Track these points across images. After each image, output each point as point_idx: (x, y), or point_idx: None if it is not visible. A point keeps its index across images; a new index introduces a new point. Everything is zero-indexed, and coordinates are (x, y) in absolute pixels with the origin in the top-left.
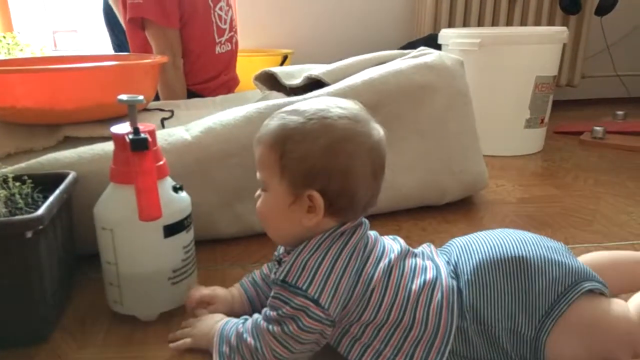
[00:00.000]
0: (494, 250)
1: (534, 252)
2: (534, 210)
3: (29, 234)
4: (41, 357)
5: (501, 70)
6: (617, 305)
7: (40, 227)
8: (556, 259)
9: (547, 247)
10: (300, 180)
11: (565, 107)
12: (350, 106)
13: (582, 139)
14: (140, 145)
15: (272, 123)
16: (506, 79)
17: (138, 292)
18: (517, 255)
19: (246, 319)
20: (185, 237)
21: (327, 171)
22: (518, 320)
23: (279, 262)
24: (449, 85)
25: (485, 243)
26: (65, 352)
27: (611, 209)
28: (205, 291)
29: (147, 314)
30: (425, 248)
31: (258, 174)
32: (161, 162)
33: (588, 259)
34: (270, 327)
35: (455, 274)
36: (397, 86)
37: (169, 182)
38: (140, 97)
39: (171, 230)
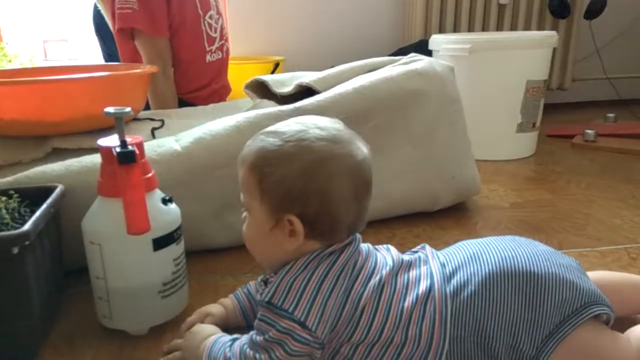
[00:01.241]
0: (505, 263)
1: (547, 268)
2: (527, 215)
3: (15, 250)
4: None
5: (492, 75)
6: (620, 340)
7: (27, 242)
8: (568, 278)
9: (560, 264)
10: (279, 204)
11: (557, 111)
12: (330, 126)
13: (574, 142)
14: (127, 158)
15: (253, 144)
16: (497, 84)
17: (128, 306)
18: (528, 270)
19: (234, 340)
20: (176, 250)
21: (304, 194)
22: (520, 338)
23: (265, 282)
24: (439, 91)
25: (495, 253)
26: None
27: (604, 212)
28: (198, 319)
29: (137, 328)
30: (421, 251)
31: (241, 196)
32: (150, 174)
33: (594, 278)
34: (257, 355)
35: (461, 282)
36: (388, 93)
37: (158, 194)
38: (127, 109)
39: (161, 243)
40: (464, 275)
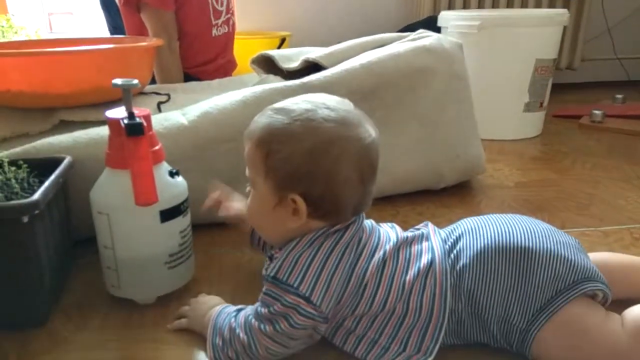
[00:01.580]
0: (500, 237)
1: (541, 244)
2: (531, 194)
3: (25, 219)
4: (39, 340)
5: (501, 53)
6: (612, 320)
7: (36, 211)
8: (562, 254)
9: (557, 240)
10: (285, 182)
11: (565, 91)
12: (339, 107)
13: (581, 122)
14: (135, 130)
15: (261, 120)
16: (506, 62)
17: (135, 276)
18: (522, 245)
19: (239, 311)
20: (182, 222)
21: (310, 175)
22: (512, 310)
23: (270, 257)
24: (447, 68)
25: (493, 228)
26: (63, 335)
27: (609, 193)
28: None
29: (144, 297)
30: (423, 228)
31: (247, 170)
32: (157, 147)
33: (599, 258)
34: (262, 326)
35: (457, 255)
36: (395, 70)
37: (165, 167)
38: (135, 81)
39: (168, 215)
40: (460, 249)
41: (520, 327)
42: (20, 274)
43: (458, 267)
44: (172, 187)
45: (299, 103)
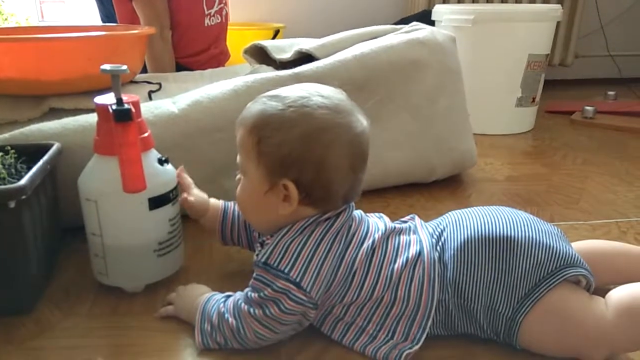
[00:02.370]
0: (482, 228)
1: (523, 233)
2: (521, 188)
3: (12, 204)
4: (26, 327)
5: (494, 47)
6: (595, 302)
7: (24, 196)
8: (544, 242)
9: (539, 229)
10: (276, 168)
11: (558, 87)
12: (332, 95)
13: (573, 118)
14: (123, 116)
15: (254, 107)
16: (498, 57)
17: (123, 263)
18: (504, 235)
19: (227, 297)
20: (171, 210)
21: (302, 161)
22: (497, 299)
23: (262, 244)
24: (440, 61)
25: (476, 219)
26: (51, 321)
27: (598, 187)
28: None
29: (132, 285)
30: (410, 222)
31: (238, 157)
32: (146, 134)
33: (582, 245)
34: (251, 310)
35: (442, 247)
36: (388, 61)
37: (154, 154)
38: (124, 67)
39: (156, 202)
40: (444, 240)
41: (506, 315)
42: (6, 259)
43: (444, 259)
44: (161, 174)
45: (293, 90)
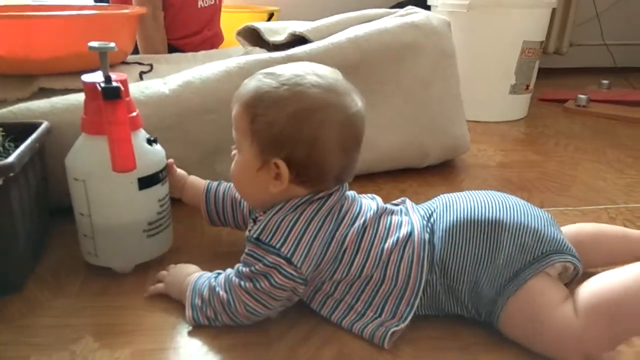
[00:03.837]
0: (471, 210)
1: (510, 216)
2: (513, 174)
3: (0, 181)
4: (15, 306)
5: (488, 33)
6: (568, 305)
7: (11, 174)
8: (532, 226)
9: (527, 213)
10: (268, 146)
11: (553, 75)
12: (328, 75)
13: (566, 106)
14: (113, 93)
15: (250, 83)
16: (493, 43)
17: (112, 243)
18: (492, 217)
19: (219, 274)
20: (161, 190)
21: (293, 140)
22: (481, 280)
23: (254, 220)
24: (434, 45)
25: (466, 202)
26: (40, 301)
27: (589, 174)
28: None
29: (122, 265)
30: (402, 205)
31: (233, 133)
32: (134, 114)
33: (573, 229)
34: (242, 282)
35: (432, 228)
36: (381, 45)
37: (142, 134)
38: (112, 45)
39: (146, 182)
40: (433, 222)
41: (489, 297)
42: None
43: (432, 240)
44: (150, 154)
45: (289, 68)
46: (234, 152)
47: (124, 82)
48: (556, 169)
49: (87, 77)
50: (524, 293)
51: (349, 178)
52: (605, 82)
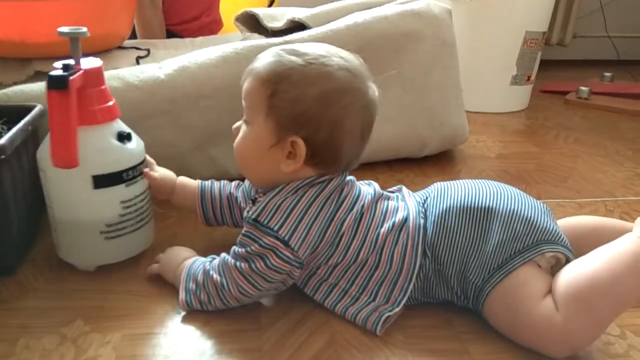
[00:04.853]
0: (464, 197)
1: (503, 204)
2: (511, 165)
3: None
4: (8, 288)
5: (490, 23)
6: (548, 299)
7: (3, 156)
8: (524, 215)
9: (521, 202)
10: (287, 123)
11: (555, 67)
12: (351, 59)
13: (567, 98)
14: (57, 83)
15: (269, 59)
16: (495, 33)
17: (71, 240)
18: (484, 204)
19: (213, 258)
20: (125, 192)
21: (317, 120)
22: (469, 266)
23: (253, 201)
24: (435, 34)
25: (460, 189)
26: (33, 284)
27: (587, 167)
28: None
29: (82, 264)
30: (398, 192)
31: (244, 103)
32: (109, 103)
33: (572, 221)
34: (237, 263)
35: (425, 214)
36: (381, 32)
37: (115, 127)
38: (84, 29)
39: (103, 181)
40: (427, 207)
41: (476, 284)
42: None
43: (425, 225)
44: (115, 151)
45: (314, 48)
46: (237, 124)
47: (96, 71)
48: (555, 161)
49: (58, 64)
50: (509, 282)
51: (355, 165)
52: (608, 74)
